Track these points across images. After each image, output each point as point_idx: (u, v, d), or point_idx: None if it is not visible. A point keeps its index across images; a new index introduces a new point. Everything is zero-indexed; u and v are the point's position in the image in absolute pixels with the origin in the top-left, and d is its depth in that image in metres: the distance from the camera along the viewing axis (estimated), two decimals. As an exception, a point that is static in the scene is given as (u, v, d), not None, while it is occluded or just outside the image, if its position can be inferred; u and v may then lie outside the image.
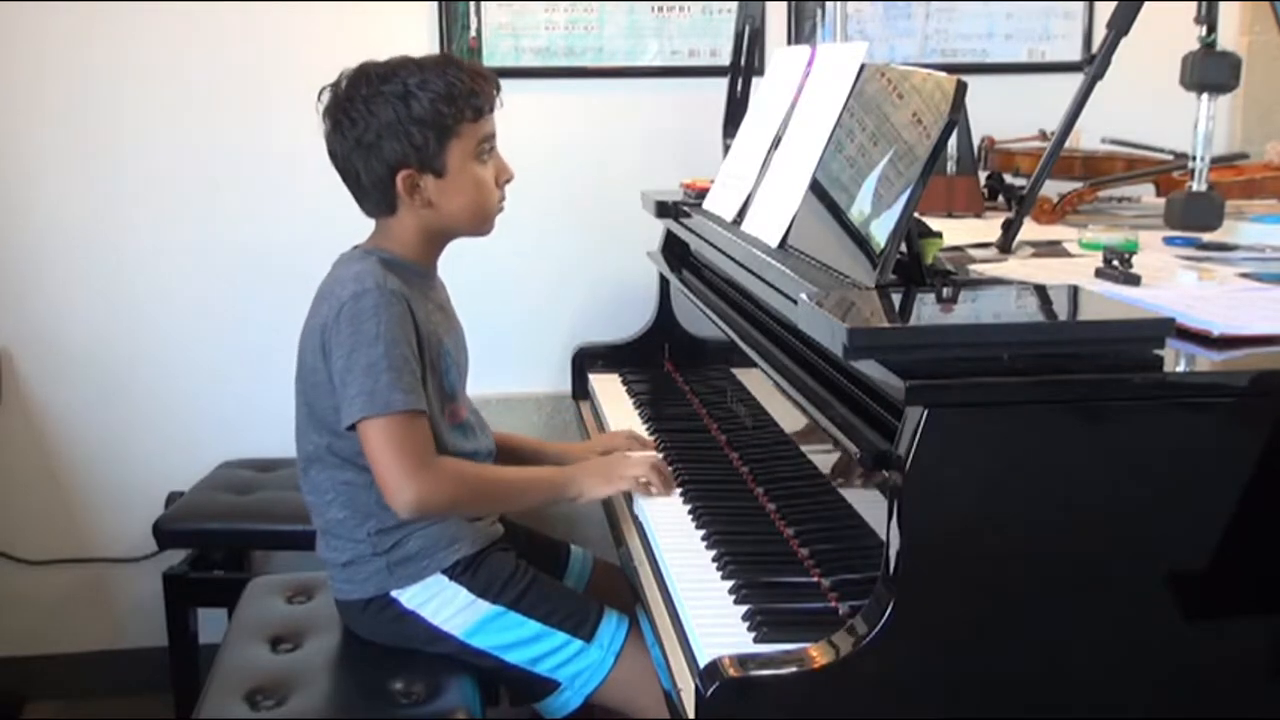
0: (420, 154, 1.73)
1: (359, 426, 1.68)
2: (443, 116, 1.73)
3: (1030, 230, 1.98)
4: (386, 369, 1.66)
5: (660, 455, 1.94)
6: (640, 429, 2.14)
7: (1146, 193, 2.44)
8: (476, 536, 1.81)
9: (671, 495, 1.81)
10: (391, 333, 1.68)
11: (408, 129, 1.72)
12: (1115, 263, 1.59)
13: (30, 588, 2.78)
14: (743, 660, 1.21)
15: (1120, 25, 1.84)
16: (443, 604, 1.78)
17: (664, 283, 2.50)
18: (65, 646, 2.81)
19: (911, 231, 1.43)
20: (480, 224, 1.84)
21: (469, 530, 1.80)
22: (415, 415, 1.68)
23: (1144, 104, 2.39)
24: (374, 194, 1.77)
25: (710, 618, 1.40)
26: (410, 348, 1.70)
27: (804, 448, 1.67)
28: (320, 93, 1.77)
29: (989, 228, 1.98)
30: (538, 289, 2.82)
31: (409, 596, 1.78)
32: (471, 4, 2.69)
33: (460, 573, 1.78)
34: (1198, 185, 1.86)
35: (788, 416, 1.74)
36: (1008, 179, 2.43)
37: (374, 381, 1.66)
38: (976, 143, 2.39)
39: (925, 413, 1.16)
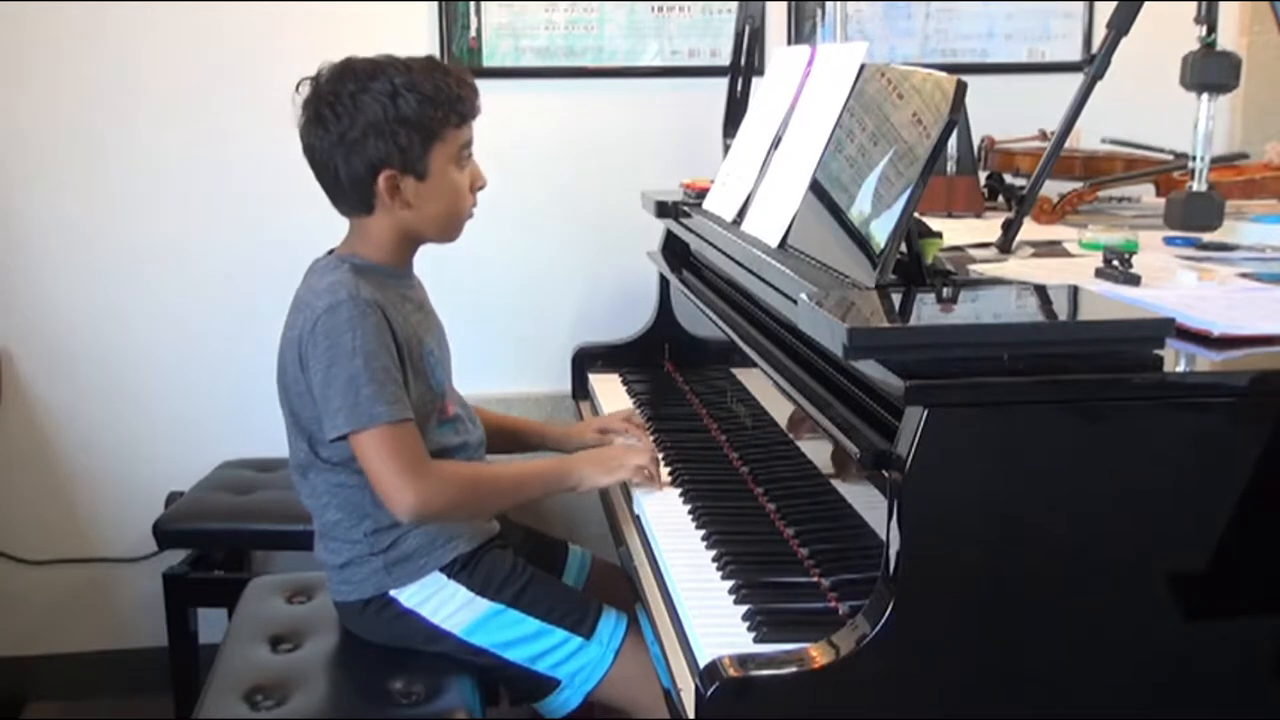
0: (404, 155, 1.72)
1: (351, 440, 1.68)
2: (429, 119, 1.72)
3: (1030, 230, 1.98)
4: (367, 381, 1.66)
5: (656, 450, 1.95)
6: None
7: (1146, 193, 2.44)
8: (474, 534, 1.81)
9: (666, 491, 1.81)
10: (369, 344, 1.67)
11: (393, 128, 1.70)
12: (1115, 263, 1.59)
13: (30, 588, 2.78)
14: (743, 660, 1.21)
15: (1120, 25, 1.84)
16: (441, 602, 1.78)
17: (664, 283, 2.50)
18: (65, 646, 2.81)
19: (911, 231, 1.43)
20: (451, 230, 1.83)
21: (466, 528, 1.80)
22: (402, 424, 1.68)
23: (1144, 104, 2.39)
24: (351, 193, 1.75)
25: (710, 618, 1.40)
26: (390, 357, 1.69)
27: (802, 445, 1.67)
28: (299, 84, 1.75)
29: (989, 228, 1.98)
30: (538, 289, 2.82)
31: (407, 595, 1.78)
32: (471, 4, 2.69)
33: (458, 570, 1.78)
34: (1198, 185, 1.86)
35: (788, 417, 1.74)
36: (1008, 179, 2.43)
37: (355, 395, 1.66)
38: (976, 143, 2.39)
39: (925, 413, 1.16)
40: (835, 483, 1.53)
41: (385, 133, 1.70)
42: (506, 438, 2.08)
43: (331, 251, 1.83)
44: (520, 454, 2.14)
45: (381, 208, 1.76)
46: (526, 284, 2.82)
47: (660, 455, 1.95)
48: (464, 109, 1.75)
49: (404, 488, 1.67)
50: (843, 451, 1.36)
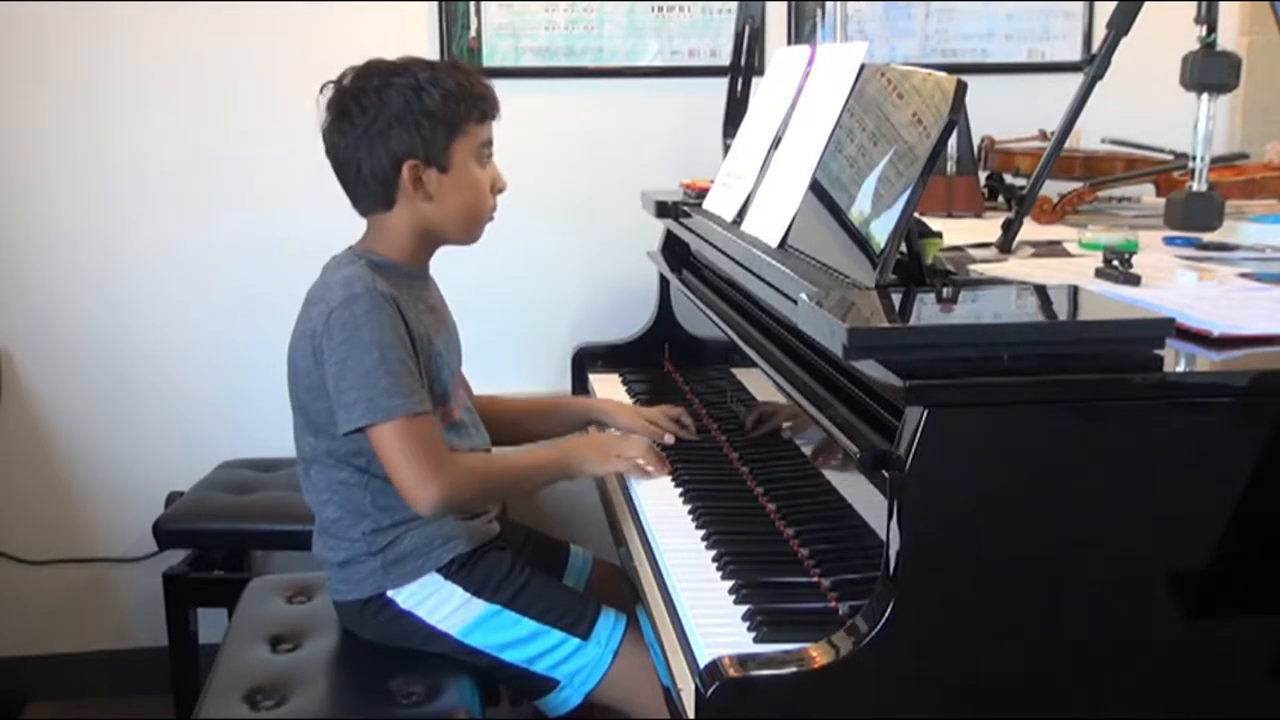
0: (428, 146, 1.74)
1: (368, 433, 1.69)
2: (452, 112, 1.74)
3: (1030, 230, 1.98)
4: (385, 374, 1.66)
5: (665, 439, 1.96)
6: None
7: (1146, 193, 2.44)
8: (471, 534, 1.81)
9: (664, 477, 1.84)
10: (385, 337, 1.68)
11: (418, 120, 1.72)
12: (1115, 263, 1.59)
13: (30, 588, 2.78)
14: (743, 660, 1.21)
15: (1120, 25, 1.84)
16: (439, 603, 1.78)
17: (664, 283, 2.50)
18: (65, 646, 2.81)
19: (911, 231, 1.43)
20: (472, 228, 1.84)
21: (464, 528, 1.80)
22: (421, 416, 1.69)
23: (1144, 104, 2.39)
24: (373, 186, 1.76)
25: (710, 618, 1.40)
26: (406, 350, 1.70)
27: (800, 443, 1.67)
28: (323, 87, 1.77)
29: (989, 228, 1.98)
30: (538, 289, 2.82)
31: (405, 596, 1.78)
32: (471, 4, 2.69)
33: (455, 571, 1.78)
34: (1198, 185, 1.86)
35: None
36: (1008, 179, 2.43)
37: (373, 388, 1.66)
38: (976, 143, 2.39)
39: (925, 413, 1.16)
40: (834, 480, 1.53)
41: (410, 124, 1.72)
42: (547, 420, 2.12)
43: (350, 248, 1.83)
44: (564, 433, 2.15)
45: (403, 201, 1.77)
46: (526, 284, 2.82)
47: (665, 452, 1.95)
48: (485, 106, 1.78)
49: (425, 481, 1.67)
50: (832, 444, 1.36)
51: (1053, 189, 2.14)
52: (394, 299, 1.71)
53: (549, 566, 1.99)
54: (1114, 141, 2.46)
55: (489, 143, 1.81)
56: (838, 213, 1.55)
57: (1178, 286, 1.56)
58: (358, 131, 1.73)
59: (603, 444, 1.92)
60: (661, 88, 2.78)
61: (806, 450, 1.67)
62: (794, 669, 1.19)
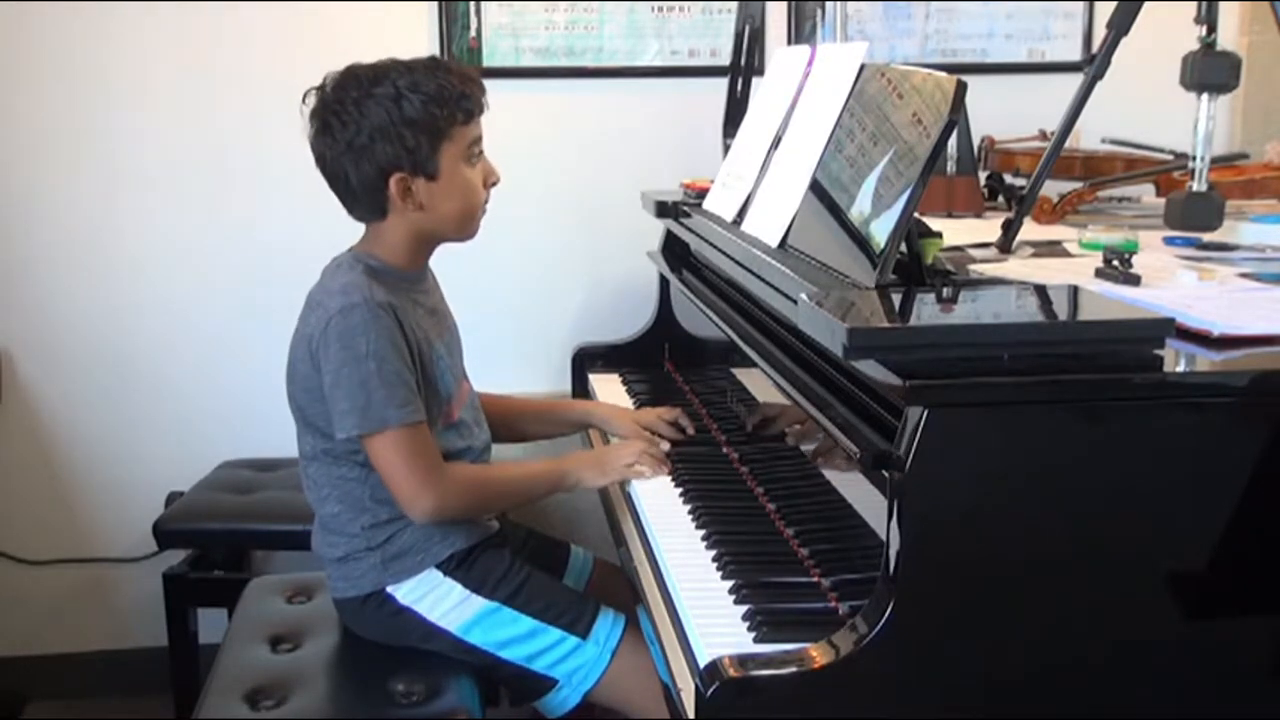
0: (413, 157, 1.72)
1: (362, 442, 1.70)
2: (435, 119, 1.72)
3: (1030, 230, 1.98)
4: (379, 385, 1.67)
5: (662, 445, 1.95)
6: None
7: (1146, 193, 2.44)
8: (470, 531, 1.81)
9: (665, 475, 1.84)
10: (382, 348, 1.68)
11: (400, 131, 1.70)
12: (1115, 263, 1.59)
13: (30, 588, 2.78)
14: (743, 660, 1.21)
15: (1120, 25, 1.84)
16: (438, 599, 1.78)
17: (664, 283, 2.50)
18: (65, 646, 2.81)
19: (911, 231, 1.43)
20: (467, 227, 1.83)
21: (463, 525, 1.81)
22: (415, 427, 1.69)
23: (1144, 104, 2.39)
24: (364, 198, 1.76)
25: (710, 618, 1.40)
26: (403, 360, 1.70)
27: (800, 443, 1.67)
28: (305, 95, 1.76)
29: (989, 228, 1.98)
30: (538, 289, 2.82)
31: (404, 592, 1.78)
32: (471, 4, 2.69)
33: (454, 568, 1.79)
34: (1198, 185, 1.86)
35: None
36: (1008, 179, 2.43)
37: (366, 399, 1.67)
38: (976, 143, 2.39)
39: (925, 413, 1.16)
40: (834, 480, 1.54)
41: (392, 136, 1.70)
42: (545, 421, 2.13)
43: (350, 250, 1.83)
44: (561, 435, 2.17)
45: (395, 211, 1.76)
46: (526, 284, 2.82)
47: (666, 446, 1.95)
48: (469, 105, 1.76)
49: (418, 492, 1.69)
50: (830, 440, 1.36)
51: (1053, 189, 2.14)
52: (392, 307, 1.71)
53: (550, 566, 1.99)
54: (1114, 141, 2.46)
55: (478, 140, 1.79)
56: (838, 213, 1.55)
57: (1178, 286, 1.56)
58: (341, 146, 1.72)
59: (601, 458, 1.91)
60: (661, 88, 2.78)
61: (806, 450, 1.67)
62: (794, 669, 1.19)
